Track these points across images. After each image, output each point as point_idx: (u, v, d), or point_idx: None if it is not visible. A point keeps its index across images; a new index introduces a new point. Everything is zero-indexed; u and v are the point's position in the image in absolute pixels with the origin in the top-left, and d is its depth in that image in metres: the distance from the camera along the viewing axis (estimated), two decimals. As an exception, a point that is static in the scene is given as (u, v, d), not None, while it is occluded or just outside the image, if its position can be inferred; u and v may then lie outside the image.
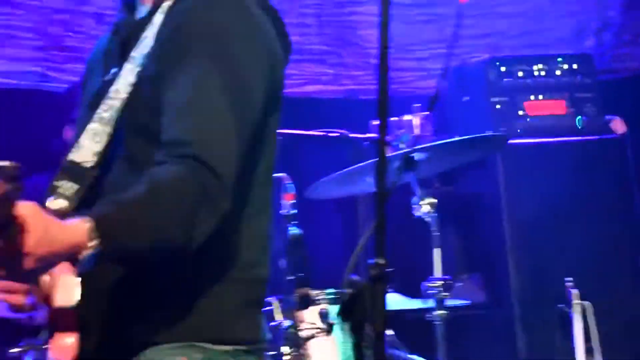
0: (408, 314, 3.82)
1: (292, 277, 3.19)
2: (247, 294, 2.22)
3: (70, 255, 1.90)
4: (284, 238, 3.24)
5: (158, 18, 2.23)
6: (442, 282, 3.49)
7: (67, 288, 2.01)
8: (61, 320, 2.04)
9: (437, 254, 3.52)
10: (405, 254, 3.84)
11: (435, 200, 3.56)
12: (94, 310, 2.11)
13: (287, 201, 3.28)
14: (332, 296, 3.23)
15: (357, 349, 1.85)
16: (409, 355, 3.51)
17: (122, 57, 2.25)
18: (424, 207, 3.53)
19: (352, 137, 3.88)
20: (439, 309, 3.48)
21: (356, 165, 3.63)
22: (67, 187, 2.19)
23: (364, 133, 4.01)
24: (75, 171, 2.18)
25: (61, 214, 2.09)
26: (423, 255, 3.63)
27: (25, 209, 1.77)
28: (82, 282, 2.01)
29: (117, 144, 2.18)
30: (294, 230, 3.25)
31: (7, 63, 4.61)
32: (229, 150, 2.08)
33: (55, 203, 2.17)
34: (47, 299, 2.03)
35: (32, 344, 2.94)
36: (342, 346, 3.17)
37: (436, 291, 3.49)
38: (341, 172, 3.67)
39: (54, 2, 4.73)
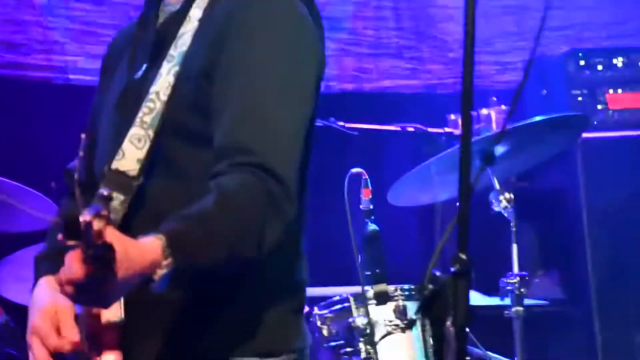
0: (485, 310, 3.79)
1: (369, 273, 3.18)
2: (293, 301, 2.17)
3: (146, 276, 1.81)
4: (362, 234, 3.22)
5: (195, 13, 2.13)
6: (520, 278, 3.46)
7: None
8: (104, 337, 1.99)
9: (514, 250, 3.49)
10: (481, 250, 3.81)
11: (513, 196, 3.52)
12: (142, 328, 2.04)
13: (365, 197, 3.27)
14: (409, 292, 3.21)
15: (437, 345, 1.83)
16: (486, 352, 3.48)
17: (155, 53, 2.15)
18: (502, 202, 3.50)
19: (430, 131, 3.85)
20: (517, 306, 3.45)
21: (433, 158, 3.60)
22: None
23: (442, 127, 3.98)
24: (120, 181, 2.05)
25: None
26: (500, 252, 3.60)
27: (108, 230, 1.68)
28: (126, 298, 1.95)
29: (158, 149, 2.06)
30: (371, 226, 3.24)
31: (87, 60, 4.66)
32: (291, 155, 2.02)
33: None
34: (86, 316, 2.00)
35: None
36: (420, 343, 3.15)
37: (513, 287, 3.46)
38: (419, 167, 3.65)
39: (135, -1, 4.78)
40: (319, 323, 3.18)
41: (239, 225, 1.91)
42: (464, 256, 1.66)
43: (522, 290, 3.47)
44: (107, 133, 2.21)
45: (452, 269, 1.66)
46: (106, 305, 1.84)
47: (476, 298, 3.71)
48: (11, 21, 4.51)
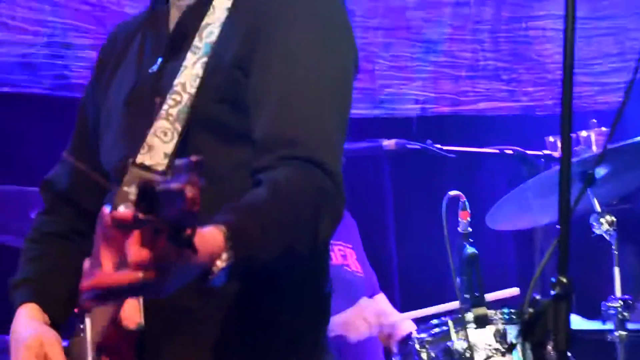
0: (587, 334, 3.73)
1: (467, 296, 3.16)
2: (318, 313, 2.08)
3: (205, 267, 1.64)
4: (460, 256, 3.20)
5: (221, 3, 2.00)
6: (623, 302, 3.40)
7: (132, 309, 1.82)
8: (121, 343, 1.86)
9: (617, 273, 3.43)
10: (582, 273, 3.76)
11: (615, 218, 3.47)
12: (160, 334, 1.93)
13: (463, 219, 3.25)
14: (509, 316, 3.18)
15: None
16: (588, 377, 3.43)
17: (173, 46, 2.05)
18: (604, 225, 3.45)
19: (528, 154, 3.82)
20: (619, 330, 3.39)
21: (532, 181, 3.57)
22: None
23: (540, 150, 3.94)
24: (145, 176, 1.79)
25: None
26: (601, 275, 3.55)
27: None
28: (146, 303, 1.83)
29: (186, 144, 1.91)
30: (469, 249, 3.22)
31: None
32: (337, 148, 1.92)
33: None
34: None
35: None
36: (520, 366, 3.12)
37: (616, 311, 3.40)
38: (517, 189, 3.62)
39: None
40: (417, 347, 3.16)
41: (295, 221, 1.80)
42: (564, 279, 1.64)
43: (624, 314, 3.41)
44: (114, 128, 2.11)
45: (553, 293, 1.64)
46: (163, 294, 1.59)
47: (577, 322, 3.65)
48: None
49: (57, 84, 4.49)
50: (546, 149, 4.02)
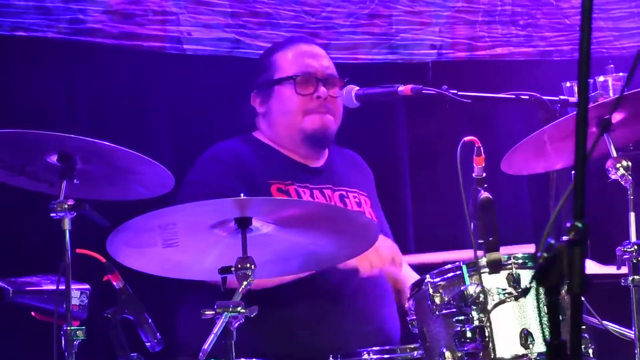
0: (601, 279, 3.74)
1: (481, 241, 3.16)
2: None
3: None
4: (474, 202, 3.20)
5: None
6: (637, 246, 3.40)
7: None
8: None
9: (632, 218, 3.43)
10: (597, 218, 3.75)
11: (630, 163, 3.46)
12: None
13: (478, 165, 3.24)
14: (523, 261, 3.18)
15: (552, 314, 1.82)
16: (602, 322, 3.43)
17: None
18: (620, 170, 3.44)
19: (545, 99, 3.80)
20: (634, 275, 3.39)
21: (548, 126, 3.56)
22: None
23: (556, 95, 3.92)
24: None
25: None
26: (616, 220, 3.54)
27: None
28: None
29: None
30: (484, 194, 3.22)
31: (202, 30, 4.71)
32: None
33: None
34: None
35: (225, 306, 3.03)
36: (534, 312, 3.13)
37: (630, 256, 3.40)
38: (533, 135, 3.60)
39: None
40: (431, 291, 3.17)
41: None
42: (579, 224, 1.63)
43: (639, 259, 3.41)
44: None
45: (568, 237, 1.64)
46: None
47: (592, 267, 3.66)
48: (127, -8, 4.58)
49: (72, 28, 4.47)
50: (563, 94, 4.01)
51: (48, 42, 4.43)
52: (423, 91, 3.66)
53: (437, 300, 3.18)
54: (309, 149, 4.05)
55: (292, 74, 4.03)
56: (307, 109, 4.01)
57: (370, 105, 3.85)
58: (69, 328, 3.15)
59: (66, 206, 3.19)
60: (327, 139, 4.07)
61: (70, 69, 4.45)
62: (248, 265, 3.09)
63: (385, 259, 3.79)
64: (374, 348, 3.49)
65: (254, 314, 3.07)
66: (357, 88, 3.81)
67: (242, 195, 3.13)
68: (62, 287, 3.18)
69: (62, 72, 4.44)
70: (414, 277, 3.89)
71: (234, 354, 3.06)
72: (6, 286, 3.45)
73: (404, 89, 3.67)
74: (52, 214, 3.20)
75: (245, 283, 3.07)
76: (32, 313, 3.51)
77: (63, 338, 3.15)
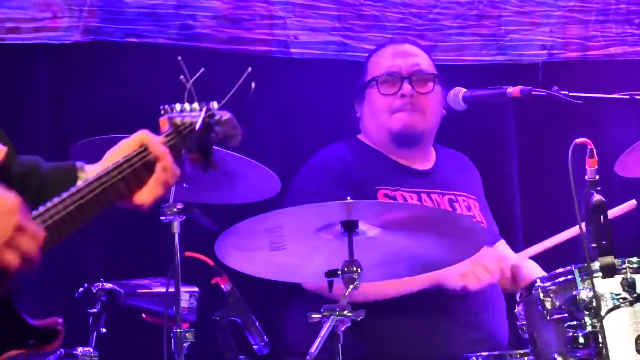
0: None
1: (594, 245, 3.10)
2: None
3: None
4: (587, 205, 3.14)
5: None
6: None
7: None
8: None
9: None
10: None
11: None
12: None
13: (590, 167, 3.18)
14: (637, 265, 3.11)
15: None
16: None
17: None
18: None
19: (659, 100, 3.70)
20: None
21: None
22: None
23: (672, 96, 3.83)
24: None
25: None
26: None
27: None
28: None
29: None
30: (596, 197, 3.15)
31: (308, 33, 4.72)
32: None
33: None
34: None
35: (332, 310, 3.02)
36: (648, 317, 3.06)
37: None
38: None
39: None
40: (541, 295, 3.13)
41: None
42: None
43: None
44: None
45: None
46: None
47: None
48: (235, -3, 4.61)
49: (182, 34, 4.53)
50: (678, 94, 3.90)
51: (160, 47, 4.49)
52: (532, 93, 3.61)
53: (548, 305, 3.13)
54: (401, 149, 4.02)
55: (376, 75, 4.02)
56: (392, 108, 3.99)
57: (479, 107, 3.81)
58: (178, 330, 3.19)
59: (175, 210, 3.23)
60: (416, 138, 4.02)
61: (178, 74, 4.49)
62: (354, 268, 3.08)
63: (493, 272, 3.74)
64: (483, 353, 3.45)
65: (360, 318, 3.06)
66: (465, 90, 3.77)
67: (348, 198, 3.12)
68: (171, 289, 3.22)
69: (173, 76, 4.49)
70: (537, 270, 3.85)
71: (340, 358, 3.05)
72: (118, 288, 3.51)
73: (512, 90, 3.62)
74: (161, 218, 3.24)
75: (351, 286, 3.06)
76: (143, 315, 3.56)
77: (173, 340, 3.18)
